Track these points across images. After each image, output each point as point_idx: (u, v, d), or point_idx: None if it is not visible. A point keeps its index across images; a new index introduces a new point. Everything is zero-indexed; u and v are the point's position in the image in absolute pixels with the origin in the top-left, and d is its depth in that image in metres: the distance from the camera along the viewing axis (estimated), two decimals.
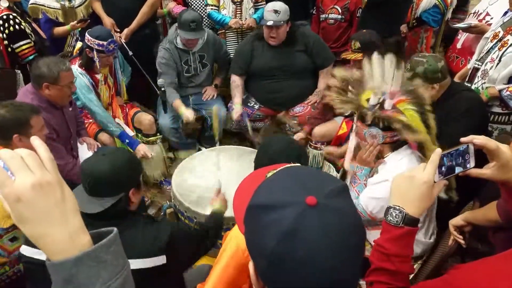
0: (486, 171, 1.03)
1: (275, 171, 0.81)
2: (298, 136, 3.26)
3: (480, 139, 1.01)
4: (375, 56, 1.74)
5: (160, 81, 3.07)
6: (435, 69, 2.20)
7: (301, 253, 0.64)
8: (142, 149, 3.01)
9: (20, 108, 2.08)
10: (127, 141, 3.03)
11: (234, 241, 1.44)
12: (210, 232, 1.87)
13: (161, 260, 1.53)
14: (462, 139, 1.03)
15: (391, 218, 1.00)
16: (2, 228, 1.91)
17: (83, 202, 1.49)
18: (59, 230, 0.62)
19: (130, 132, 3.16)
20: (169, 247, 1.54)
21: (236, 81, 3.38)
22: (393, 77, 1.69)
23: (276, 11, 3.04)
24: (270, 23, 3.07)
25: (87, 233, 0.66)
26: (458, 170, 1.04)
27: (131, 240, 1.50)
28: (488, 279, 0.85)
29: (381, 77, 1.72)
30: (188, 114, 3.16)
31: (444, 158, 1.04)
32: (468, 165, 1.03)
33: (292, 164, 0.87)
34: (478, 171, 1.04)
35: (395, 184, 1.04)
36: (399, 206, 0.99)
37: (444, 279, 0.94)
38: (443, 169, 1.03)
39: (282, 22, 3.07)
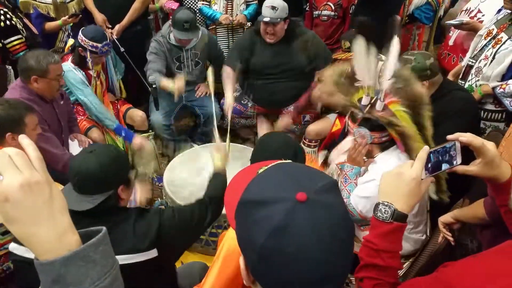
0: (473, 168, 1.05)
1: (266, 167, 0.81)
2: (284, 121, 3.19)
3: (466, 137, 1.03)
4: (357, 47, 1.71)
5: (151, 78, 3.05)
6: (423, 66, 2.19)
7: (291, 248, 0.65)
8: (138, 140, 2.97)
9: (14, 106, 2.05)
10: (123, 134, 3.01)
11: (232, 242, 1.44)
12: (212, 204, 1.78)
13: (152, 253, 1.52)
14: (449, 137, 1.06)
15: (380, 214, 1.01)
16: None
17: (72, 200, 1.48)
18: (47, 229, 0.62)
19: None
20: (160, 240, 1.54)
21: (229, 72, 3.25)
22: (374, 67, 1.68)
23: (273, 8, 2.99)
24: (266, 19, 3.02)
25: (76, 232, 0.65)
26: (444, 167, 1.06)
27: (122, 236, 1.50)
28: (484, 276, 0.86)
29: (366, 69, 1.70)
30: (177, 86, 2.98)
31: (431, 155, 1.06)
32: (454, 162, 1.05)
33: (284, 161, 0.88)
34: (465, 168, 1.06)
35: (383, 181, 1.05)
36: (387, 202, 1.01)
37: (436, 276, 0.95)
38: (429, 166, 1.05)
39: (279, 19, 3.02)
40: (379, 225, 1.02)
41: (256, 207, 0.69)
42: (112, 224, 1.50)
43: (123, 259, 1.44)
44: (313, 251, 0.65)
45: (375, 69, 1.70)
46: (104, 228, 0.67)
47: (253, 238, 0.68)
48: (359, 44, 1.69)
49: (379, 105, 1.69)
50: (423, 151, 1.03)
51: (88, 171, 1.48)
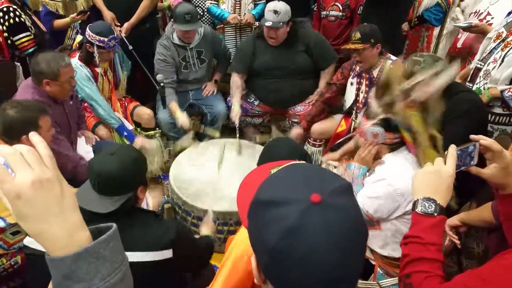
0: (487, 171, 1.10)
1: (280, 167, 0.82)
2: (295, 131, 3.22)
3: (487, 140, 1.09)
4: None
5: (159, 76, 3.06)
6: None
7: (303, 250, 0.65)
8: (140, 141, 3.00)
9: (29, 108, 2.07)
10: (125, 133, 3.03)
11: (241, 246, 1.44)
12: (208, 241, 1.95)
13: (168, 253, 1.55)
14: (472, 137, 1.12)
15: (424, 209, 1.06)
16: (9, 223, 1.92)
17: (93, 201, 1.50)
18: (58, 226, 0.63)
19: (129, 126, 3.16)
20: (177, 242, 1.57)
21: (236, 81, 3.32)
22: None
23: (276, 12, 3.01)
24: (269, 23, 3.04)
25: (86, 229, 0.66)
26: (466, 166, 1.12)
27: (142, 235, 1.53)
28: None
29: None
30: (182, 120, 3.11)
31: (460, 154, 1.11)
32: (472, 162, 1.12)
33: (298, 161, 0.88)
34: (479, 170, 1.11)
35: (419, 179, 1.10)
36: (430, 197, 1.05)
37: (498, 263, 0.99)
38: (457, 163, 1.10)
39: (281, 23, 3.04)
40: (423, 220, 1.05)
41: (269, 207, 0.69)
42: (133, 224, 1.53)
43: (139, 256, 1.46)
44: (325, 253, 0.64)
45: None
46: (114, 224, 0.68)
47: (266, 238, 0.68)
48: None
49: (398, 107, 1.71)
50: (453, 149, 1.08)
51: (109, 173, 1.50)
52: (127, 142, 3.11)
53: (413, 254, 1.06)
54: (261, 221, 0.70)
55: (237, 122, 3.13)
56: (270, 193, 0.72)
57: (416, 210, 1.07)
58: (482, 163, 1.13)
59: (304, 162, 0.91)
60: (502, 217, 1.15)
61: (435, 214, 1.04)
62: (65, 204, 0.64)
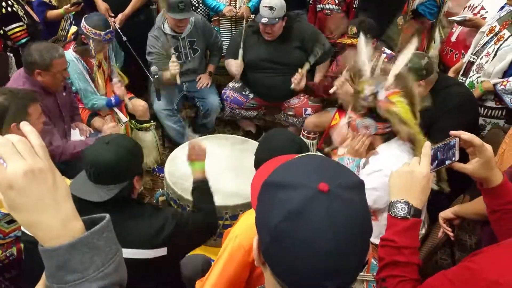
0: (469, 166, 1.10)
1: (300, 155, 0.83)
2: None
3: (467, 135, 1.08)
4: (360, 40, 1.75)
5: (153, 68, 3.05)
6: (418, 67, 2.21)
7: (303, 233, 0.65)
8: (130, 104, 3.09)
9: (18, 96, 2.04)
10: (113, 102, 3.04)
11: (237, 240, 1.45)
12: (209, 216, 1.85)
13: (162, 251, 1.54)
14: (452, 132, 1.10)
15: (397, 212, 1.04)
16: (3, 213, 1.91)
17: (88, 190, 1.49)
18: (51, 216, 0.62)
19: (124, 118, 3.14)
20: (172, 240, 1.55)
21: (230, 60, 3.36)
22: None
23: (271, 8, 3.00)
24: (264, 20, 3.04)
25: (80, 219, 0.66)
26: (447, 162, 1.11)
27: (136, 230, 1.51)
28: None
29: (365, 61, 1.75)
30: (172, 69, 3.09)
31: (437, 152, 1.09)
32: (453, 158, 1.10)
33: (318, 154, 0.89)
34: (461, 165, 1.11)
35: (394, 180, 1.09)
36: (403, 199, 1.04)
37: (465, 265, 0.98)
38: (434, 162, 1.08)
39: (277, 19, 3.04)
40: (397, 222, 1.05)
41: (277, 189, 0.70)
42: (128, 216, 1.52)
43: (134, 253, 1.46)
44: (325, 240, 0.65)
45: (371, 61, 1.74)
46: (107, 215, 0.68)
47: (269, 218, 0.69)
48: (361, 39, 1.71)
49: (381, 95, 1.71)
50: (427, 148, 1.06)
51: (105, 162, 1.49)
52: (123, 132, 3.10)
53: (387, 257, 1.06)
54: (268, 201, 0.71)
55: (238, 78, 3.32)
56: (281, 176, 0.73)
57: (390, 212, 1.06)
58: (465, 159, 1.14)
59: (322, 155, 0.92)
60: (488, 209, 1.15)
61: (408, 217, 1.03)
62: (58, 194, 0.63)
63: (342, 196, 0.68)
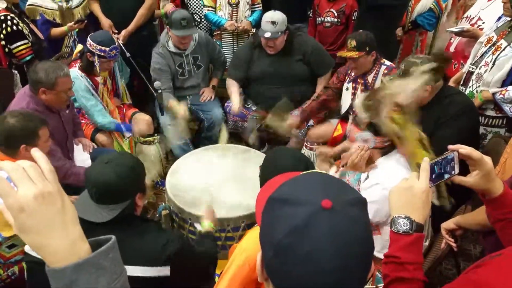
0: (469, 179, 1.10)
1: (305, 172, 0.85)
2: (289, 121, 3.15)
3: (466, 149, 1.09)
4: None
5: (157, 83, 3.09)
6: (432, 70, 2.22)
7: (306, 249, 0.66)
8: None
9: (30, 119, 2.09)
10: (124, 128, 3.07)
11: (244, 254, 1.45)
12: (213, 247, 1.89)
13: (165, 271, 1.52)
14: (450, 147, 1.11)
15: (399, 228, 1.04)
16: (5, 237, 1.93)
17: (91, 210, 1.49)
18: (60, 239, 0.65)
19: (128, 133, 3.17)
20: (176, 260, 1.53)
21: (232, 84, 3.39)
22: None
23: (273, 23, 3.04)
24: (267, 34, 3.07)
25: (86, 241, 0.68)
26: (446, 176, 1.11)
27: (140, 247, 1.50)
28: None
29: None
30: (182, 110, 3.13)
31: (435, 166, 1.10)
32: (453, 172, 1.10)
33: (323, 171, 0.91)
34: (461, 178, 1.11)
35: (394, 196, 1.09)
36: (405, 215, 1.04)
37: (467, 277, 0.97)
38: (433, 176, 1.09)
39: (279, 33, 3.08)
40: (400, 238, 1.04)
41: (282, 205, 0.72)
42: (131, 234, 1.51)
43: (137, 271, 1.46)
44: (327, 257, 0.66)
45: None
46: (113, 236, 0.70)
47: (273, 233, 0.70)
48: None
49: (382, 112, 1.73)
50: (425, 163, 1.07)
51: (105, 182, 1.49)
52: (127, 147, 3.13)
53: (392, 274, 1.05)
54: (272, 217, 0.73)
55: (237, 111, 3.32)
56: (285, 192, 0.75)
57: (392, 229, 1.06)
58: (466, 169, 1.14)
59: (327, 173, 0.94)
60: (492, 219, 1.16)
61: (411, 232, 1.03)
62: (66, 217, 0.66)
63: (345, 212, 0.70)
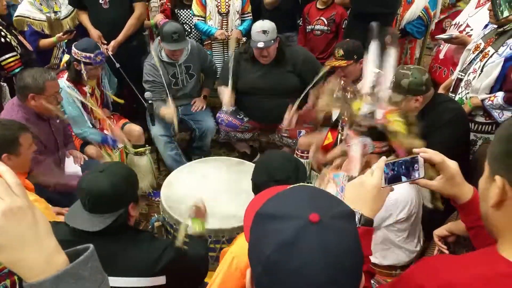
0: (434, 183, 1.09)
1: (291, 186, 0.84)
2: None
3: (427, 152, 1.07)
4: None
5: (147, 93, 3.07)
6: (419, 81, 2.24)
7: (295, 264, 0.66)
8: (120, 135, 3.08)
9: (8, 127, 2.06)
10: (110, 141, 3.06)
11: (234, 260, 1.45)
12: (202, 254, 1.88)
13: (160, 280, 1.52)
14: (415, 150, 1.10)
15: None
16: None
17: (83, 219, 1.49)
18: (34, 253, 0.63)
19: (119, 144, 3.15)
20: (171, 269, 1.54)
21: (223, 88, 3.37)
22: None
23: (265, 31, 3.03)
24: (260, 44, 3.05)
25: (63, 252, 0.67)
26: (404, 179, 1.10)
27: (134, 258, 1.50)
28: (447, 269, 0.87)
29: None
30: (169, 113, 3.15)
31: (391, 166, 1.09)
32: (416, 175, 1.09)
33: (309, 185, 0.90)
34: (426, 182, 1.10)
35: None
36: (354, 209, 1.02)
37: (401, 276, 0.98)
38: (388, 175, 1.09)
39: (272, 41, 3.07)
40: None
41: (269, 220, 0.71)
42: (125, 244, 1.51)
43: (132, 282, 1.44)
44: (317, 271, 0.66)
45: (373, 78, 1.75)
46: (91, 245, 0.68)
47: (261, 249, 0.70)
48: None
49: (379, 114, 1.73)
50: (382, 161, 1.08)
51: (99, 191, 1.49)
52: (118, 159, 3.10)
53: None
54: (260, 232, 0.72)
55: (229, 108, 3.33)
56: (273, 207, 0.75)
57: None
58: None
59: (313, 186, 0.93)
60: (466, 226, 1.12)
61: (358, 225, 1.02)
62: (39, 230, 0.64)
63: (333, 226, 0.69)
